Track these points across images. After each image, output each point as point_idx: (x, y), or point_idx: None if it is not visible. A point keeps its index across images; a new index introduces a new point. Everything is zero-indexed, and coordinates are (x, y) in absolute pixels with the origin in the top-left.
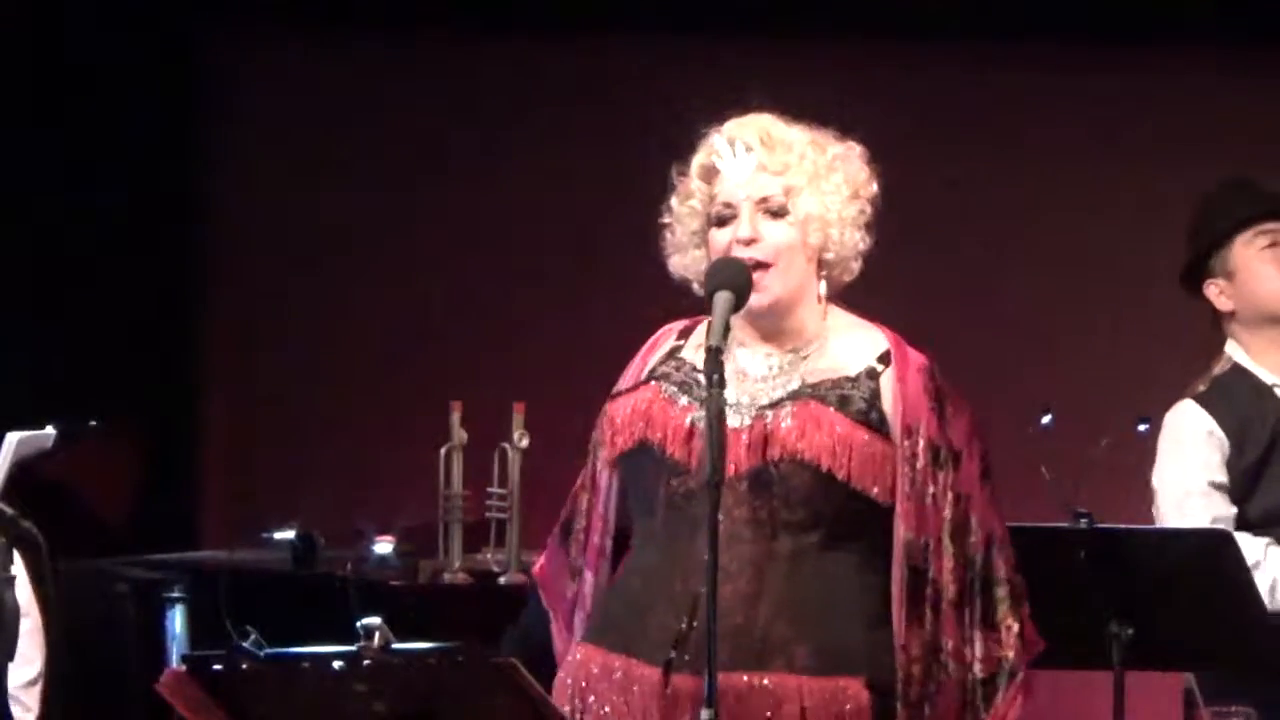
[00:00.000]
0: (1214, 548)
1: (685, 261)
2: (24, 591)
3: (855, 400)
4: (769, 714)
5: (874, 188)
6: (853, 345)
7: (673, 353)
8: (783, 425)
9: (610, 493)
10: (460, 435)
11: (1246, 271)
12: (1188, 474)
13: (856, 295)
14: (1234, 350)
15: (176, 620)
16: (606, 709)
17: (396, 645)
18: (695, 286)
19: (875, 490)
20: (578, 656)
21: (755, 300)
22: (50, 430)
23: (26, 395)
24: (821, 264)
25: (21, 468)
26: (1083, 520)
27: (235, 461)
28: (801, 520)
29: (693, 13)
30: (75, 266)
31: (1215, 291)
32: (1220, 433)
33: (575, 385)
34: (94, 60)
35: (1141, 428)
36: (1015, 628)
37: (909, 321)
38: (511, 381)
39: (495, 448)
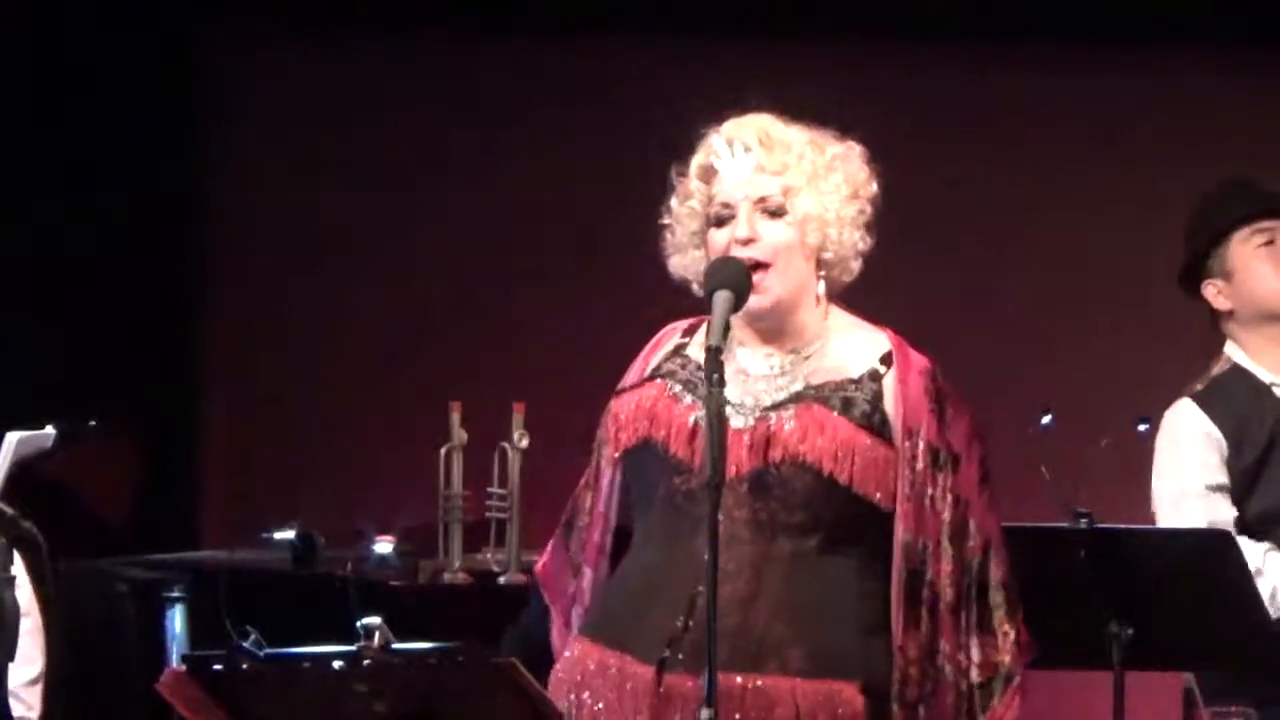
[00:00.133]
0: (1214, 548)
1: (685, 262)
2: (24, 591)
3: (858, 403)
4: (763, 716)
5: (874, 187)
6: (855, 346)
7: (678, 350)
8: (785, 427)
9: (612, 489)
10: (460, 435)
11: (1244, 270)
12: (1184, 476)
13: (857, 295)
14: (1233, 350)
15: (176, 620)
16: (600, 705)
17: (396, 645)
18: (695, 287)
19: (878, 495)
20: (575, 651)
21: (755, 301)
22: (50, 430)
23: (26, 395)
24: (821, 264)
25: (21, 468)
26: (1083, 520)
27: (235, 461)
28: (801, 523)
29: (693, 13)
30: (75, 266)
31: (1213, 292)
32: (1218, 433)
33: (575, 385)
34: (94, 60)
35: (1141, 428)
36: (1012, 634)
37: (909, 322)
38: (511, 381)
39: (495, 448)
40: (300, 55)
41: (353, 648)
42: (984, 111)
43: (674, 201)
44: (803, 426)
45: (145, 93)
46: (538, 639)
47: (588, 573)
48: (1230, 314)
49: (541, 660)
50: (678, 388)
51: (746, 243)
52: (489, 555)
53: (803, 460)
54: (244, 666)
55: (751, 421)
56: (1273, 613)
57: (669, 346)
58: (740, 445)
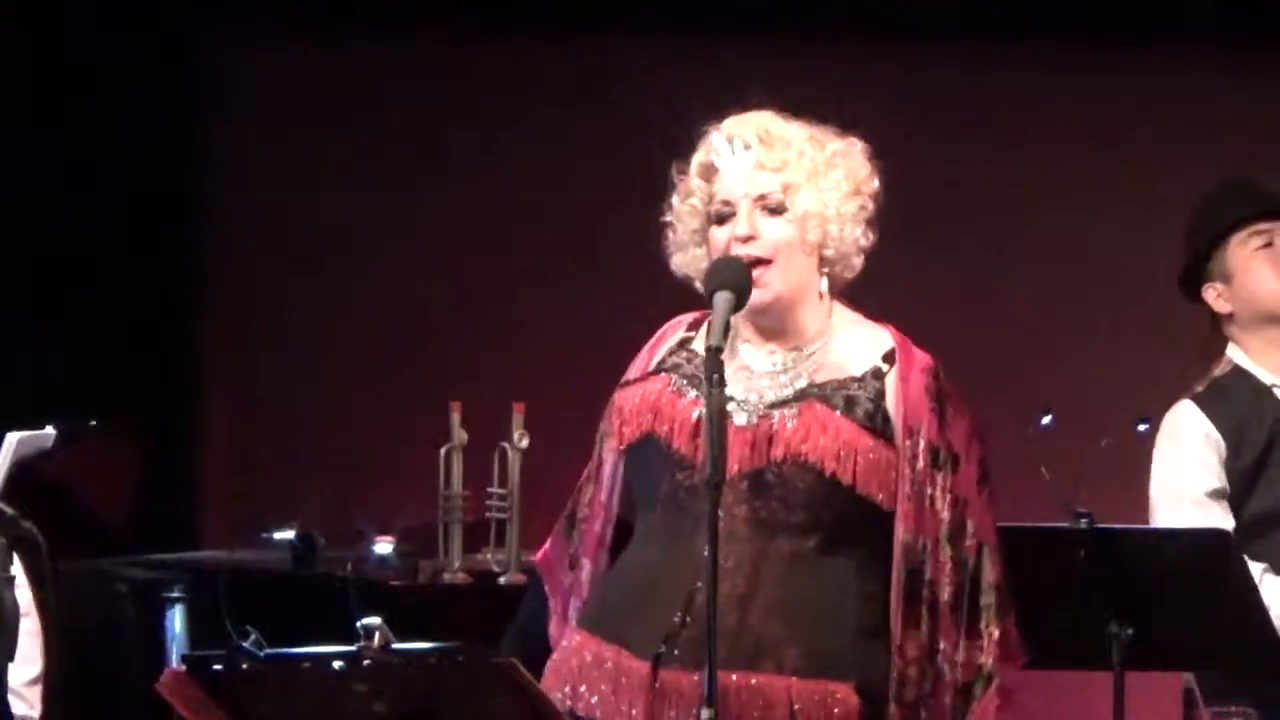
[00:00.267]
0: (1214, 548)
1: (687, 259)
2: (25, 592)
3: (861, 402)
4: (757, 714)
5: (875, 183)
6: (858, 344)
7: (682, 344)
8: (787, 426)
9: (614, 482)
10: (460, 435)
11: (1243, 273)
12: (1183, 480)
13: (856, 295)
14: (1234, 352)
15: (176, 620)
16: (595, 698)
17: (396, 645)
18: (698, 284)
19: (880, 496)
20: (572, 643)
21: (756, 296)
22: (50, 430)
23: (26, 395)
24: (823, 260)
25: (21, 468)
26: (1083, 520)
27: (235, 461)
28: (801, 522)
29: (693, 13)
30: (75, 266)
31: (1214, 295)
32: (1216, 434)
33: (575, 385)
34: (94, 60)
35: (1141, 428)
36: (996, 634)
37: (909, 322)
38: (511, 381)
39: (495, 448)
40: (300, 55)
41: (353, 648)
42: (984, 111)
43: (675, 199)
44: (805, 425)
45: (145, 93)
46: (536, 631)
47: (586, 565)
48: (1231, 317)
49: (542, 651)
50: (682, 382)
51: (747, 240)
52: (489, 555)
53: (805, 459)
54: (244, 666)
55: (754, 419)
56: None
57: (674, 340)
58: (742, 443)
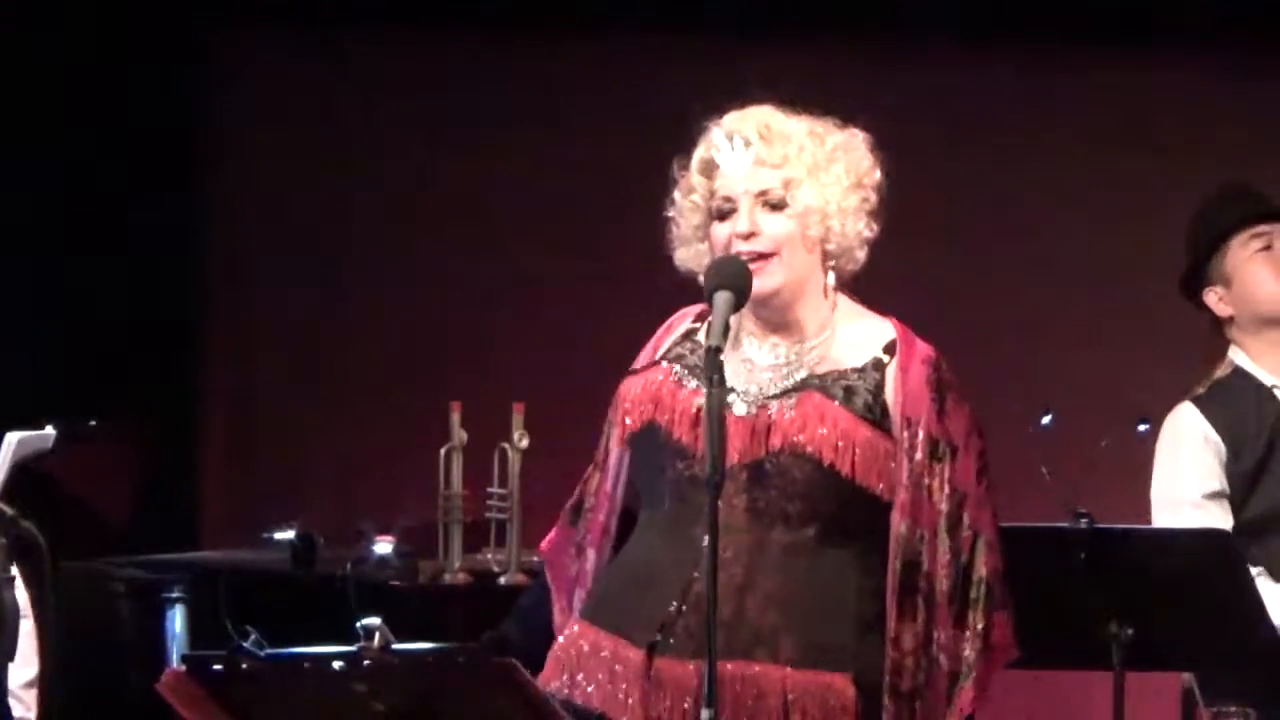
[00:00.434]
0: (1214, 548)
1: (689, 255)
2: (24, 592)
3: (860, 392)
4: (751, 703)
5: (877, 174)
6: (859, 336)
7: (688, 335)
8: (785, 416)
9: (619, 471)
10: (460, 435)
11: (1242, 275)
12: (1182, 483)
13: (861, 288)
14: (1235, 354)
15: (176, 620)
16: (591, 687)
17: (396, 645)
18: (701, 279)
19: (880, 486)
20: (574, 630)
21: (758, 285)
22: (50, 430)
23: (26, 395)
24: (826, 255)
25: (21, 468)
26: (1083, 520)
27: (235, 461)
28: (800, 513)
29: (693, 12)
30: (75, 266)
31: (1214, 299)
32: (1216, 436)
33: (575, 385)
34: (94, 60)
35: (1141, 428)
36: (980, 627)
37: (909, 321)
38: (511, 381)
39: (495, 448)
40: (300, 55)
41: (353, 648)
42: (984, 111)
43: (677, 194)
44: (803, 415)
45: (145, 93)
46: (538, 618)
47: (591, 555)
48: (1231, 319)
49: (540, 641)
50: (684, 373)
51: (748, 237)
52: (489, 555)
53: (802, 449)
54: (244, 666)
55: (753, 410)
56: None
57: (680, 331)
58: (740, 433)
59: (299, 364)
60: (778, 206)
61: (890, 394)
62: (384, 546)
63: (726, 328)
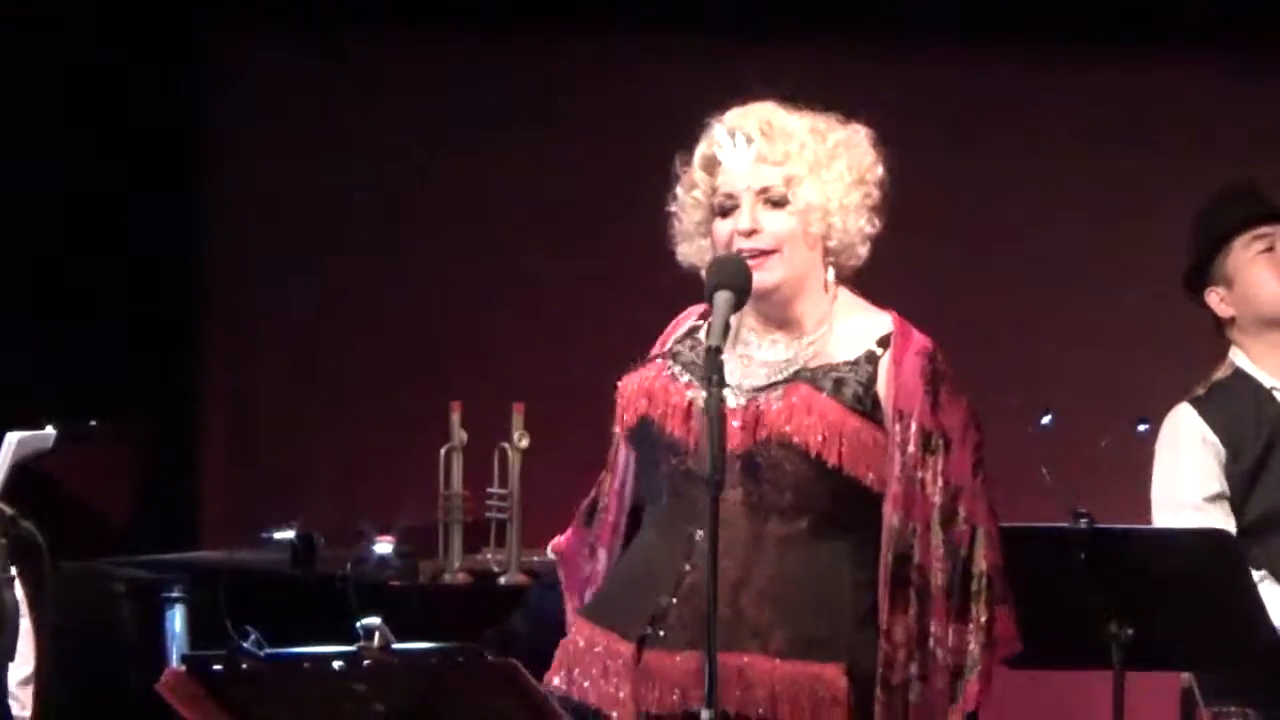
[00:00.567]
0: (1214, 548)
1: (692, 250)
2: (23, 591)
3: (850, 384)
4: (738, 694)
5: (880, 170)
6: (856, 329)
7: (691, 332)
8: (773, 407)
9: (626, 471)
10: (460, 435)
11: (1244, 277)
12: (1182, 486)
13: (864, 284)
14: (1236, 355)
15: (176, 620)
16: (586, 683)
17: (396, 645)
18: (703, 274)
19: (869, 477)
20: (572, 630)
21: (759, 282)
22: (50, 430)
23: (26, 395)
24: (827, 251)
25: (21, 468)
26: (1083, 520)
27: (235, 461)
28: (792, 505)
29: (693, 12)
30: (75, 266)
31: (1216, 299)
32: (1214, 438)
33: (575, 385)
34: (94, 60)
35: (1141, 428)
36: (984, 620)
37: (909, 320)
38: (511, 381)
39: (495, 448)
40: (300, 55)
41: (353, 648)
42: (985, 111)
43: (679, 190)
44: (789, 407)
45: (145, 93)
46: (545, 616)
47: (601, 554)
48: (1233, 320)
49: (548, 635)
50: (677, 368)
51: (749, 234)
52: (489, 555)
53: (789, 440)
54: (244, 666)
55: (743, 401)
56: None
57: (685, 328)
58: (731, 425)
59: (299, 364)
60: (779, 203)
61: (882, 386)
62: (384, 546)
63: (727, 327)
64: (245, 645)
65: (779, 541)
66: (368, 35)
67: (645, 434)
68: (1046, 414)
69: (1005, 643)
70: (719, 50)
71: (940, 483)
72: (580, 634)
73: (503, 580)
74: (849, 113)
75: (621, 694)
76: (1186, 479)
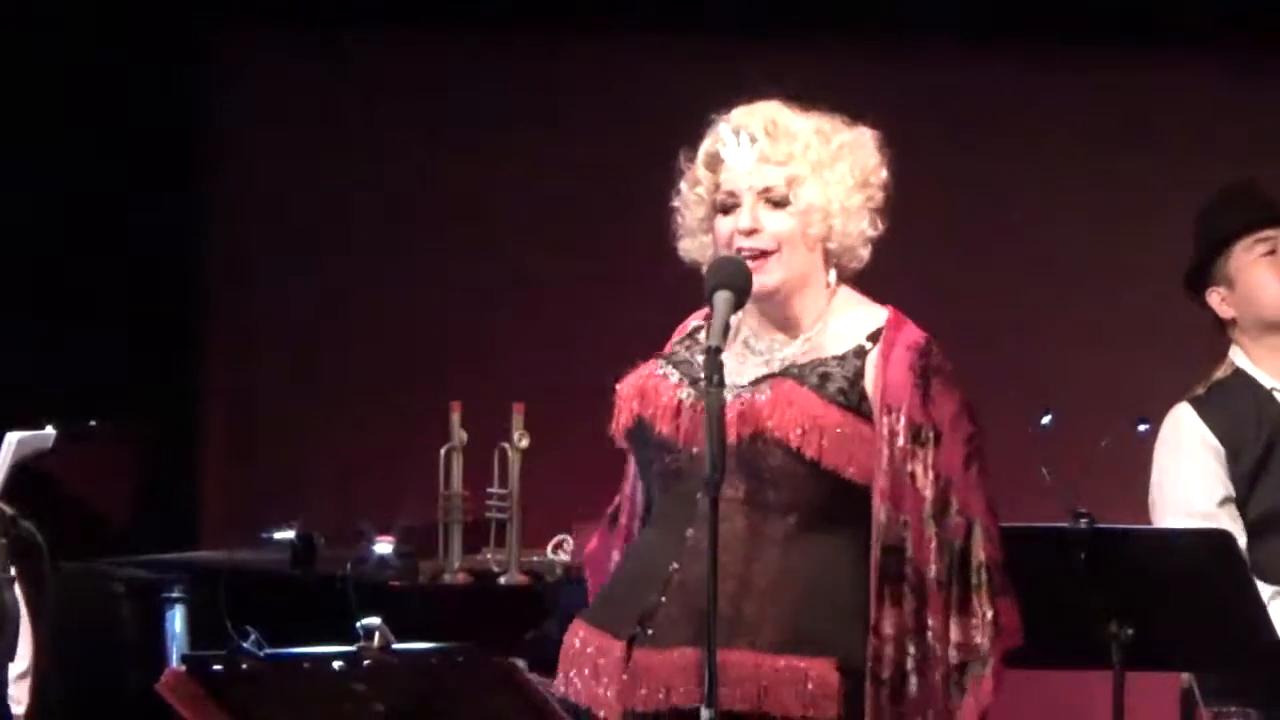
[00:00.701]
0: (1214, 548)
1: (694, 246)
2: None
3: (835, 379)
4: (726, 690)
5: (884, 173)
6: (849, 325)
7: (693, 333)
8: (758, 401)
9: (635, 474)
10: (460, 435)
11: (1246, 279)
12: (1190, 492)
13: (865, 282)
14: (1237, 355)
15: (176, 620)
16: (578, 683)
17: (396, 645)
18: (705, 270)
19: (851, 470)
20: (570, 630)
21: (758, 282)
22: (50, 430)
23: (26, 395)
24: (828, 253)
25: (21, 468)
26: (1083, 520)
27: (235, 461)
28: (782, 501)
29: (693, 12)
30: (75, 266)
31: (1217, 300)
32: (1214, 439)
33: (575, 385)
34: (94, 60)
35: (1141, 428)
36: (990, 614)
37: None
38: (511, 381)
39: (495, 448)
40: (300, 55)
41: (353, 648)
42: (985, 111)
43: (683, 186)
44: (772, 401)
45: (145, 93)
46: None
47: (615, 556)
48: (1234, 321)
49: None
50: (668, 367)
51: (750, 233)
52: (489, 555)
53: (771, 434)
54: (244, 666)
55: (730, 397)
56: None
57: (688, 330)
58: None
59: (299, 364)
60: (780, 204)
61: (870, 380)
62: (384, 546)
63: (726, 327)
64: (245, 645)
65: (773, 538)
66: (368, 35)
67: (640, 434)
68: (1046, 414)
69: (1010, 634)
70: (719, 50)
71: (931, 475)
72: (576, 635)
73: (502, 580)
74: (851, 113)
75: (609, 693)
76: (1195, 486)
